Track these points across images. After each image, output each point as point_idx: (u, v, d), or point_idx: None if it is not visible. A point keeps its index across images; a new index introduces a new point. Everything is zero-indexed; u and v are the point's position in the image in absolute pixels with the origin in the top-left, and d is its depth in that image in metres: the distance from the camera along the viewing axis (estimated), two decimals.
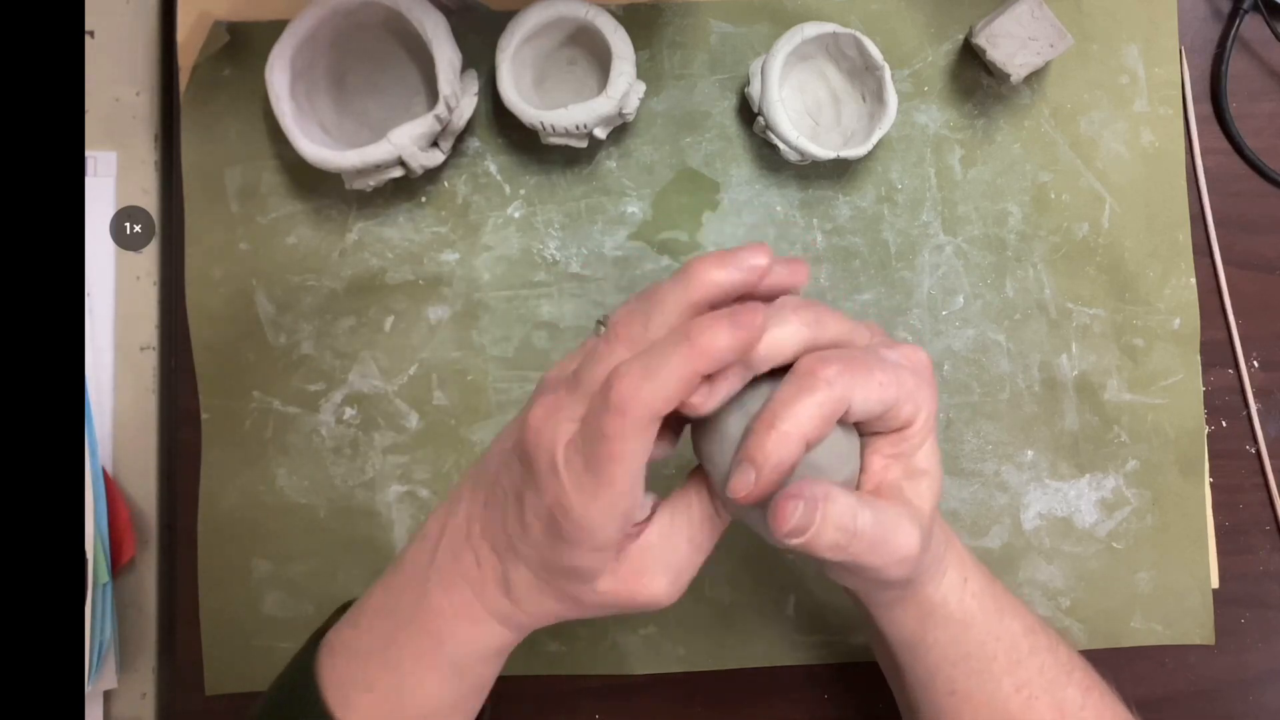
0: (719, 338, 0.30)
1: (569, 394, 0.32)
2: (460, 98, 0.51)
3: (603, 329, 0.34)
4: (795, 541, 0.31)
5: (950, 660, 0.40)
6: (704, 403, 0.32)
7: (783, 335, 0.32)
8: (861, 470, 0.35)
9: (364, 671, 0.37)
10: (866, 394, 0.32)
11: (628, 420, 0.30)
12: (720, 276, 0.32)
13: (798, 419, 0.31)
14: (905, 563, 0.34)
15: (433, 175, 0.56)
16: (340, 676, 0.37)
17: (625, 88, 0.51)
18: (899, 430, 0.35)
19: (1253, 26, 0.58)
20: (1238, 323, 0.58)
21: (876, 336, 0.36)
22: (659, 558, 0.34)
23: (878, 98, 0.53)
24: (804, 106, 0.56)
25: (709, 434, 0.34)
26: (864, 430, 0.35)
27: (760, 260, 0.32)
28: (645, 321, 0.32)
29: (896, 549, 0.33)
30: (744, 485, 0.31)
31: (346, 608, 0.41)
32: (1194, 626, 0.56)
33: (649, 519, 0.35)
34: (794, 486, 0.32)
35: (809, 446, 0.32)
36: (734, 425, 0.33)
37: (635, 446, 0.30)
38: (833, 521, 0.31)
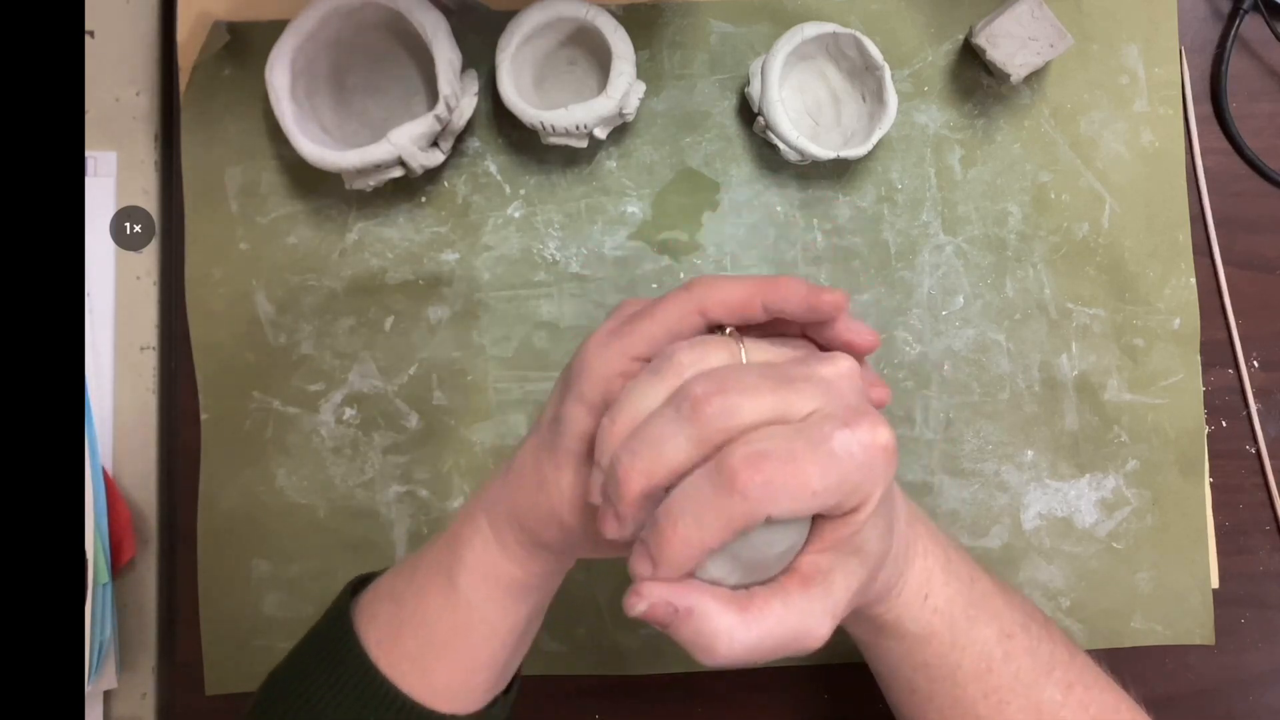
0: (799, 286, 0.32)
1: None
2: (460, 98, 0.51)
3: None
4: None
5: (909, 665, 0.39)
6: (619, 538, 0.30)
7: (678, 451, 0.28)
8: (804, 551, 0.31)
9: (392, 584, 0.39)
10: (793, 505, 0.27)
11: (689, 294, 0.32)
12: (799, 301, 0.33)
13: (702, 526, 0.27)
14: (810, 650, 0.31)
15: (433, 175, 0.56)
16: (374, 593, 0.39)
17: (625, 88, 0.51)
18: (840, 517, 0.30)
19: (1253, 26, 0.58)
20: (1238, 323, 0.58)
21: (833, 393, 0.29)
22: (571, 472, 0.34)
23: (878, 98, 0.53)
24: (804, 106, 0.56)
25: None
26: None
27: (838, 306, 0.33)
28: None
29: (801, 645, 0.30)
30: (644, 569, 0.29)
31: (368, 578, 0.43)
32: (1194, 626, 0.56)
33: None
34: (661, 589, 0.29)
35: (708, 552, 0.28)
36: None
37: (671, 316, 0.32)
38: (699, 640, 0.29)
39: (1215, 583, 0.57)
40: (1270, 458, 0.57)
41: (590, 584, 0.56)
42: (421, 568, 0.38)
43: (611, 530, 0.30)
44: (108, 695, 0.54)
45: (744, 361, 0.31)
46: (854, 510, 0.29)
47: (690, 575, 0.30)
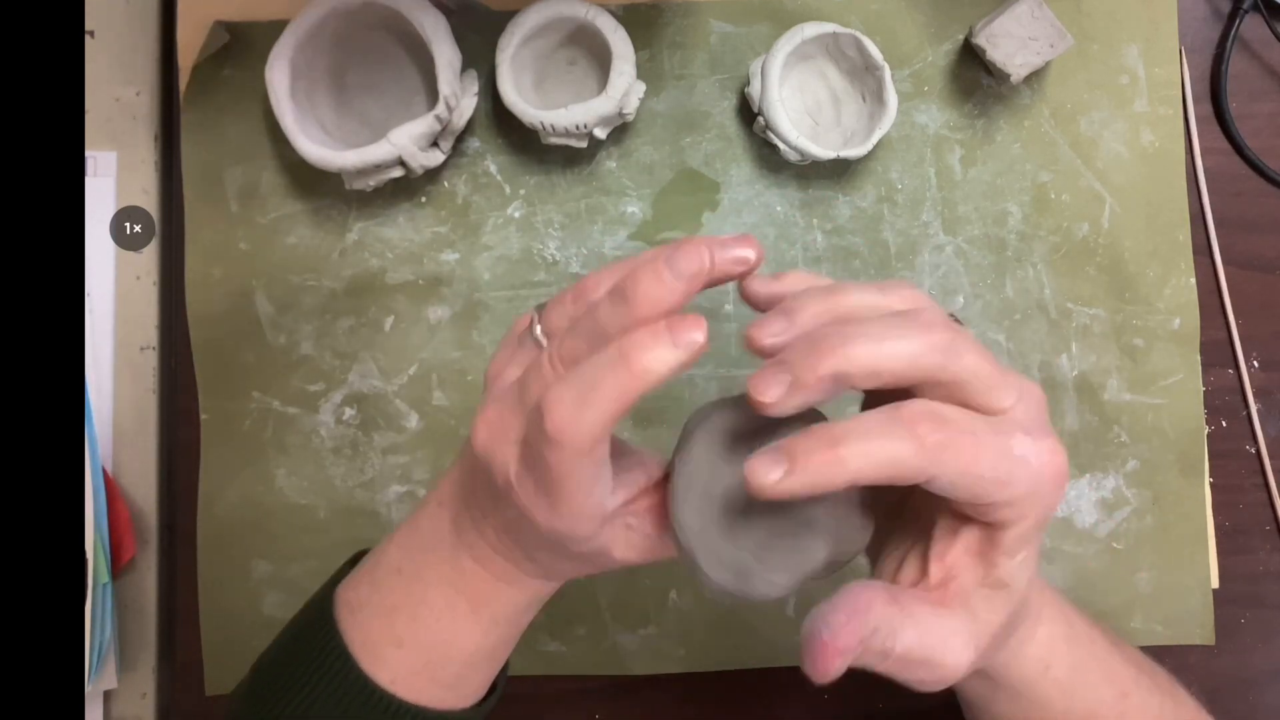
0: (659, 359, 0.27)
1: (512, 412, 0.31)
2: (460, 98, 0.51)
3: (537, 325, 0.32)
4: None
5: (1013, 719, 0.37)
6: (777, 402, 0.27)
7: (899, 351, 0.27)
8: (935, 557, 0.30)
9: (391, 629, 0.36)
10: (957, 475, 0.27)
11: (566, 451, 0.28)
12: (663, 293, 0.28)
13: (867, 453, 0.26)
14: (945, 681, 0.30)
15: (433, 175, 0.56)
16: (366, 635, 0.36)
17: (625, 88, 0.51)
18: (988, 526, 0.29)
19: (1253, 26, 0.58)
20: (1238, 323, 0.58)
21: (1026, 404, 0.28)
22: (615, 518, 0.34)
23: (878, 98, 0.53)
24: (804, 106, 0.56)
25: (691, 472, 0.31)
26: (952, 508, 0.30)
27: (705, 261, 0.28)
28: (585, 339, 0.29)
29: (936, 670, 0.29)
30: (768, 473, 0.26)
31: (357, 560, 0.40)
32: (1194, 626, 0.56)
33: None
34: (837, 612, 0.27)
35: (853, 484, 0.27)
36: (718, 479, 0.30)
37: (580, 470, 0.29)
38: (871, 645, 0.28)
39: (1215, 583, 0.57)
40: (1270, 458, 0.57)
41: (590, 584, 0.56)
42: (436, 619, 0.36)
43: (773, 393, 0.27)
44: (108, 695, 0.54)
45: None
46: (1002, 524, 0.29)
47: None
